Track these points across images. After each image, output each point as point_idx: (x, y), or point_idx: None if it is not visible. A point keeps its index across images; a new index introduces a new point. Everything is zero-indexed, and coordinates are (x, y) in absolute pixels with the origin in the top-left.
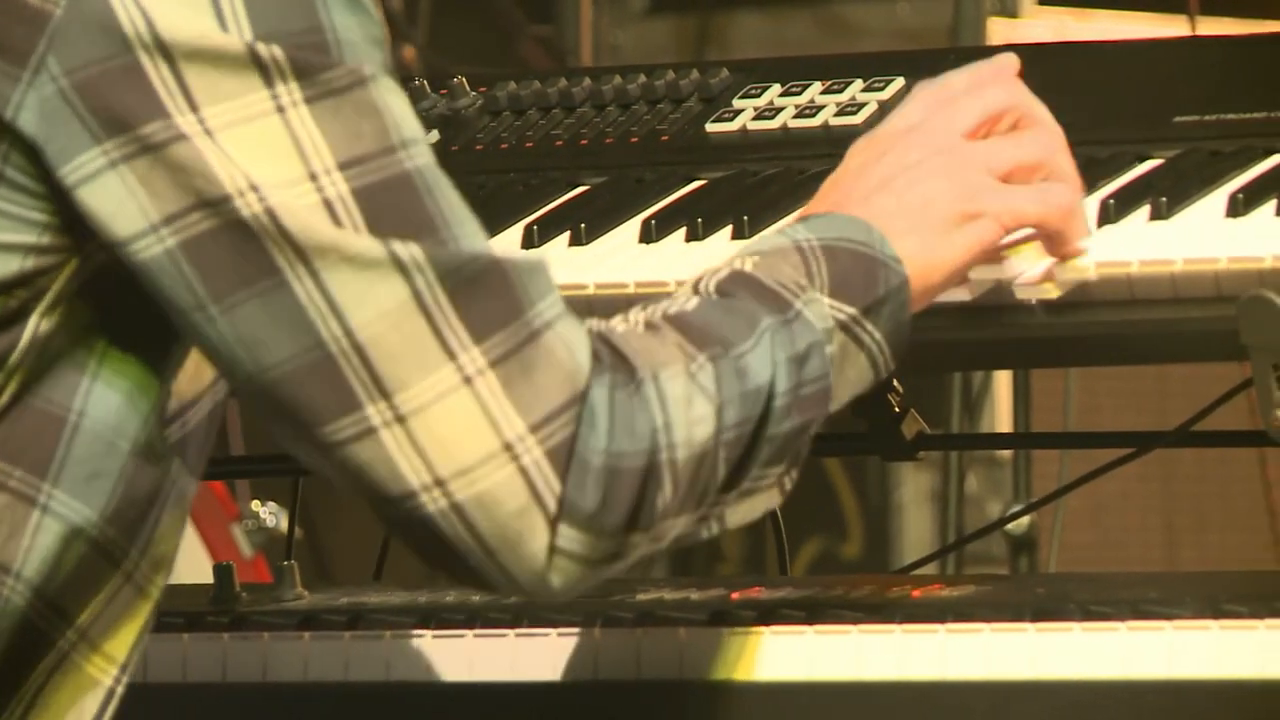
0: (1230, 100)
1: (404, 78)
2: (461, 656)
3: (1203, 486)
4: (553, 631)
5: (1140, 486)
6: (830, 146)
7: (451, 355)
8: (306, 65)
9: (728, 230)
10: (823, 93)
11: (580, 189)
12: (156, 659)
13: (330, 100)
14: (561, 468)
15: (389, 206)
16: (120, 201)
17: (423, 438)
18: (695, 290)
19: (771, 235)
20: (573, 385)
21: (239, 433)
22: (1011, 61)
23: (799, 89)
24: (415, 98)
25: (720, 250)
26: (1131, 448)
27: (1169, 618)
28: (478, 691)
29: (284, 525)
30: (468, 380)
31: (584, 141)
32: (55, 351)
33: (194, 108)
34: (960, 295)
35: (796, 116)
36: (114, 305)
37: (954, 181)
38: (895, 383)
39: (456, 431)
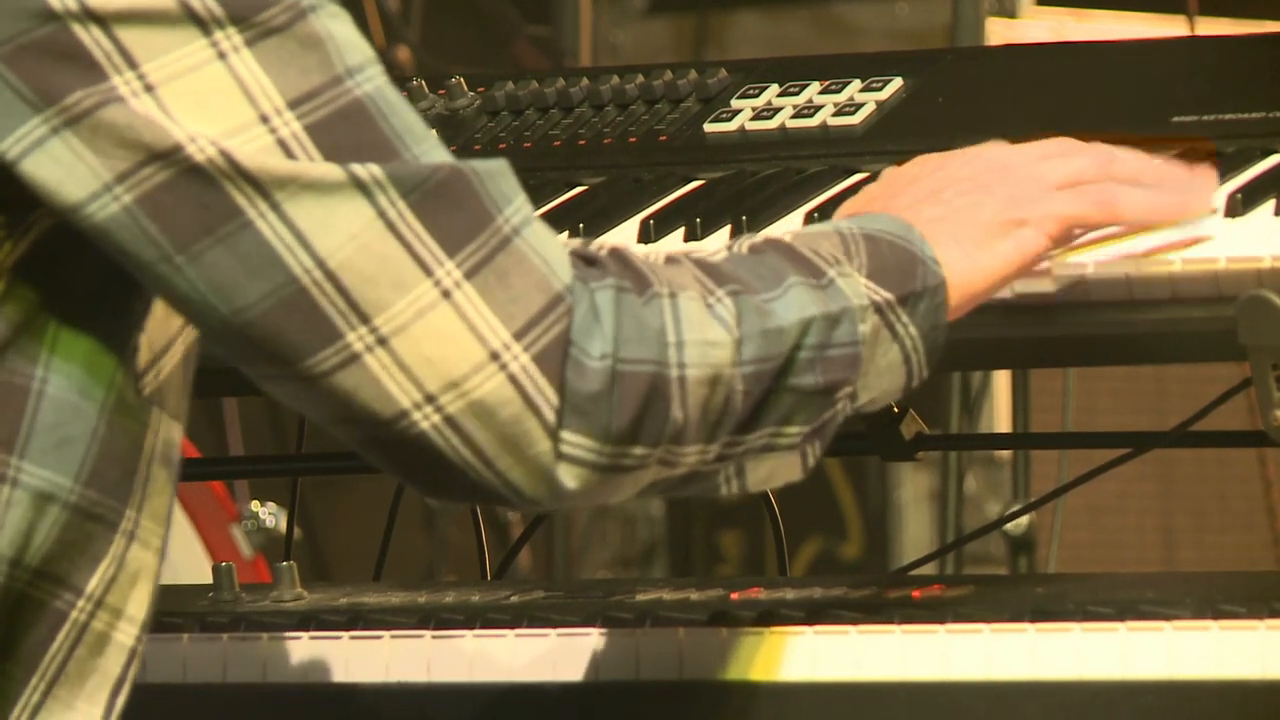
0: (1229, 100)
1: (401, 78)
2: (461, 657)
3: (1202, 487)
4: (552, 632)
5: (1139, 487)
6: (828, 147)
7: (427, 271)
8: (242, 7)
9: (726, 230)
10: (821, 93)
11: (578, 189)
12: (156, 660)
13: (272, 39)
14: (554, 372)
15: (344, 136)
16: (69, 166)
17: (407, 356)
18: (725, 248)
19: (812, 225)
20: (549, 289)
21: (238, 433)
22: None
23: (797, 89)
24: (413, 98)
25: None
26: (1130, 448)
27: (1169, 618)
28: (477, 692)
29: (283, 525)
30: (446, 294)
31: (582, 142)
32: (7, 328)
33: (132, 65)
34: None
35: (794, 117)
36: (62, 273)
37: (1001, 193)
38: None
39: (441, 346)
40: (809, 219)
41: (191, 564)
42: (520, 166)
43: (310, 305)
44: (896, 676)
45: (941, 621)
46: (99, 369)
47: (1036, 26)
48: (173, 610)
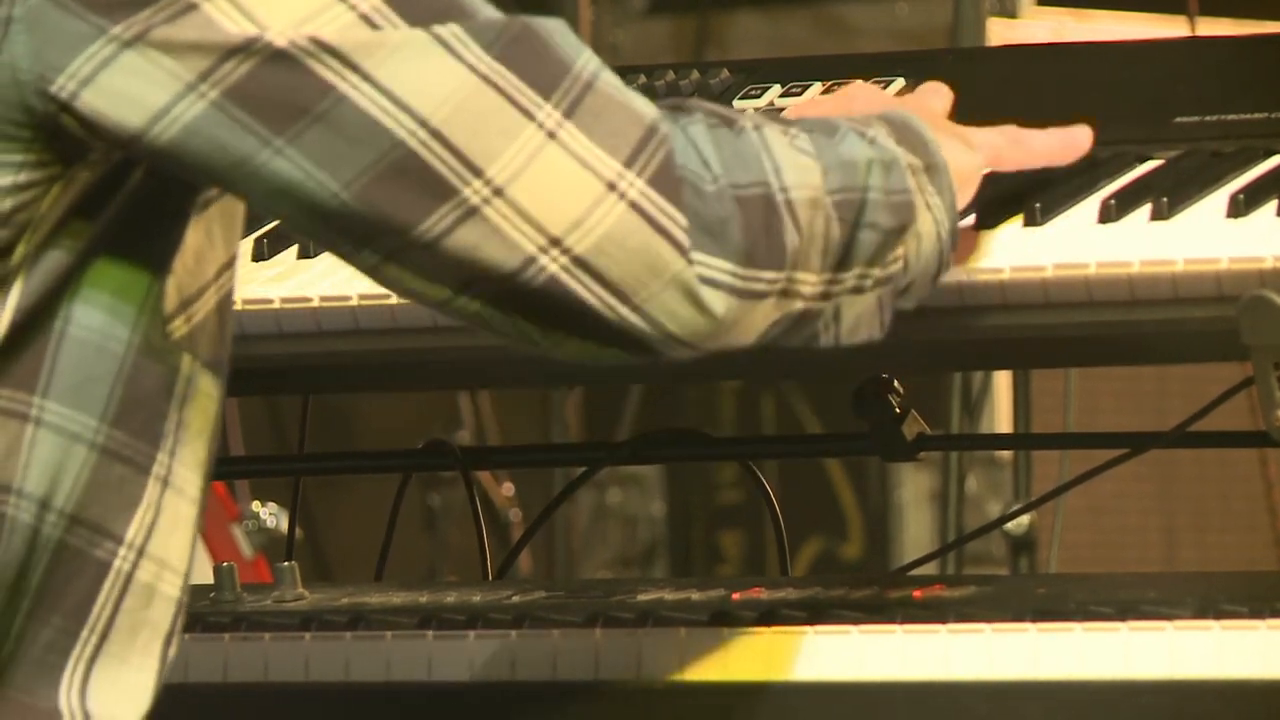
0: (1230, 101)
1: None
2: (462, 657)
3: (1203, 487)
4: (554, 632)
5: (1140, 487)
6: None
7: (529, 115)
8: None
9: None
10: (823, 93)
11: None
12: None
13: None
14: (673, 194)
15: (419, 3)
16: (146, 75)
17: (526, 202)
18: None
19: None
20: (641, 121)
21: (239, 433)
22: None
23: (799, 89)
24: None
25: None
26: (1131, 448)
27: (1170, 618)
28: (478, 691)
29: (284, 525)
30: (551, 135)
31: None
32: (40, 275)
33: None
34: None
35: None
36: (97, 219)
37: (932, 115)
38: (896, 384)
39: (557, 186)
40: None
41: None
42: None
43: (421, 166)
44: (897, 676)
45: (943, 621)
46: (123, 310)
47: (1037, 27)
48: None
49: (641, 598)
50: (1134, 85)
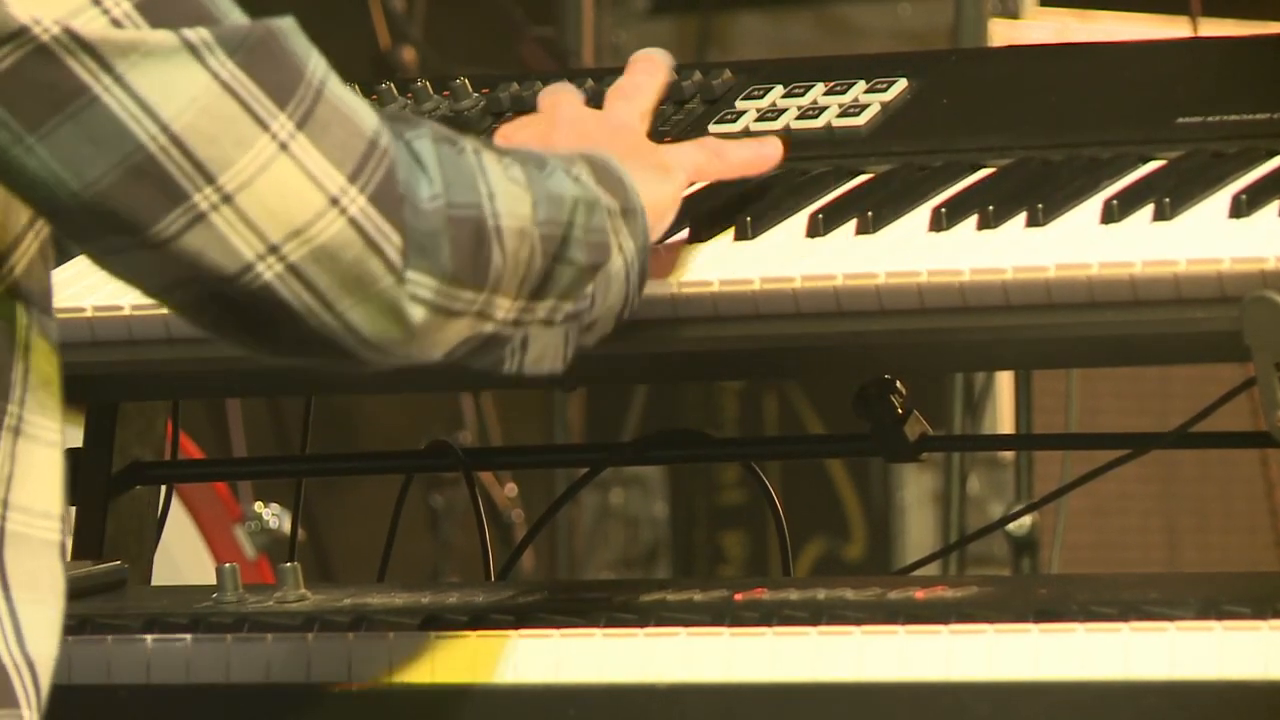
0: (1233, 101)
1: (405, 79)
2: (464, 658)
3: (1205, 487)
4: (555, 633)
5: (1142, 487)
6: (833, 148)
7: (264, 125)
8: None
9: (730, 232)
10: (825, 94)
11: None
12: (160, 660)
13: None
14: (391, 211)
15: (168, 8)
16: None
17: (251, 210)
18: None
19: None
20: (364, 134)
21: (242, 433)
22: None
23: (801, 90)
24: (417, 99)
25: (721, 251)
26: (1133, 448)
27: (1171, 619)
28: (480, 693)
29: (287, 526)
30: (283, 147)
31: None
32: None
33: None
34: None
35: (799, 118)
36: None
37: (631, 141)
38: (898, 384)
39: (283, 197)
40: (813, 220)
41: (195, 564)
42: None
43: (158, 170)
44: (899, 677)
45: (945, 622)
46: None
47: (1039, 27)
48: (176, 611)
49: (644, 598)
50: (1136, 86)
